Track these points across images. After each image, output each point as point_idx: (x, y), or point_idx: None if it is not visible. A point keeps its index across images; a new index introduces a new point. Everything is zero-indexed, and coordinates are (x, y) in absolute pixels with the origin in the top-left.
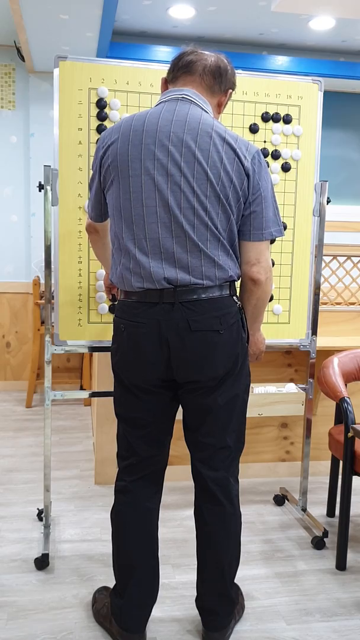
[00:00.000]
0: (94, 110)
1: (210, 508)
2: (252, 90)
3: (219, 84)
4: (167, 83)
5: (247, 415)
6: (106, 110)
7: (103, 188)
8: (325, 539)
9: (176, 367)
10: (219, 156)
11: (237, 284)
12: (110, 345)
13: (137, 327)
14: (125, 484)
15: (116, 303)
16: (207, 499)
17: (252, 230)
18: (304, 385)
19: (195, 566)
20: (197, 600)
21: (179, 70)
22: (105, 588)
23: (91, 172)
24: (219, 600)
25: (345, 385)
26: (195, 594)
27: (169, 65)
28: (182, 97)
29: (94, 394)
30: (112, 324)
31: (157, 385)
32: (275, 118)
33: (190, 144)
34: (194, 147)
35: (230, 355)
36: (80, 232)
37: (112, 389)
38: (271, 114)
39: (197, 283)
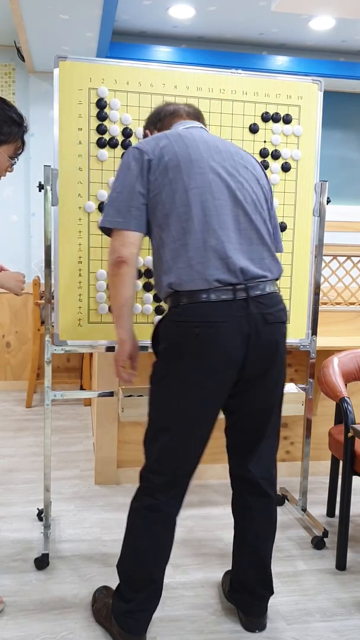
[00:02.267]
0: (94, 110)
1: (258, 500)
2: (252, 90)
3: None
4: (151, 133)
5: None
6: (106, 110)
7: (151, 191)
8: (325, 539)
9: (250, 363)
10: (256, 167)
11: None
12: (110, 345)
13: (216, 326)
14: (158, 503)
15: (173, 308)
16: (255, 492)
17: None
18: (304, 385)
19: (197, 566)
20: (236, 590)
21: (166, 118)
22: (105, 588)
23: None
24: (264, 584)
25: (345, 385)
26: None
27: (167, 68)
28: (200, 127)
29: (103, 394)
30: (112, 324)
31: (225, 388)
32: (275, 118)
33: (234, 155)
34: (237, 157)
35: (285, 346)
36: (80, 232)
37: (112, 389)
38: (271, 114)
39: (264, 276)
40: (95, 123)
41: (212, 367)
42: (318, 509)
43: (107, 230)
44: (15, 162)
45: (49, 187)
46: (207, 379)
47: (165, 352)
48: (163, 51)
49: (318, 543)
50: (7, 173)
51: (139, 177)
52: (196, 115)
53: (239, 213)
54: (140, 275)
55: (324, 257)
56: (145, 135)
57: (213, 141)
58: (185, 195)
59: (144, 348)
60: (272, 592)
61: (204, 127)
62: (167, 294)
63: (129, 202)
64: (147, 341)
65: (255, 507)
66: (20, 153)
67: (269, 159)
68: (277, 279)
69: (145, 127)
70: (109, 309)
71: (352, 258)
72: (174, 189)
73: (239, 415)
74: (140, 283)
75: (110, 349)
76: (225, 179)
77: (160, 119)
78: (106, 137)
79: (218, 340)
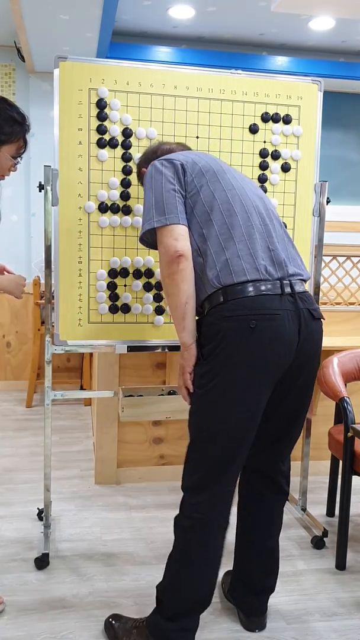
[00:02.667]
0: (94, 111)
1: (274, 496)
2: (252, 90)
3: None
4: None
5: None
6: (106, 110)
7: (188, 191)
8: (325, 539)
9: (298, 358)
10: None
11: None
12: (109, 344)
13: (273, 318)
14: (208, 520)
15: (218, 306)
16: (273, 488)
17: None
18: None
19: None
20: (236, 588)
21: (164, 154)
22: (116, 617)
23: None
24: (268, 583)
25: (345, 385)
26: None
27: (167, 68)
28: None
29: (103, 394)
30: (113, 324)
31: (273, 385)
32: (275, 118)
33: (242, 175)
34: (244, 177)
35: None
36: (80, 232)
37: (112, 389)
38: (271, 114)
39: (300, 274)
40: (95, 123)
41: (268, 362)
42: (318, 508)
43: (147, 241)
44: (18, 162)
45: (49, 187)
46: (262, 376)
47: (213, 353)
48: (163, 51)
49: (318, 543)
50: (11, 173)
51: (175, 178)
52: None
53: (271, 216)
54: (140, 275)
55: (323, 257)
56: (140, 172)
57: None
58: (225, 194)
59: (144, 348)
60: (273, 589)
61: None
62: (211, 292)
63: (170, 199)
64: (148, 341)
65: (269, 501)
66: (23, 152)
67: (268, 159)
68: (306, 281)
69: (141, 165)
70: (110, 309)
71: (352, 258)
72: (213, 189)
73: (272, 413)
74: (140, 283)
75: (103, 349)
76: (252, 189)
77: (157, 157)
78: (106, 137)
79: (277, 332)
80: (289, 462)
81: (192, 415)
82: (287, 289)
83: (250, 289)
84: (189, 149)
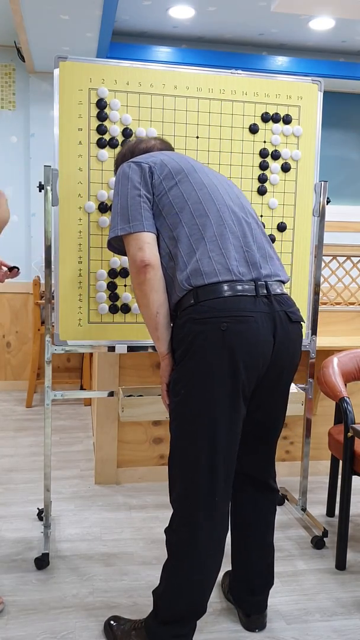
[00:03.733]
0: (94, 111)
1: (265, 497)
2: (252, 90)
3: None
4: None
5: None
6: (106, 110)
7: (156, 194)
8: (325, 539)
9: (274, 362)
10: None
11: None
12: (109, 344)
13: (245, 321)
14: (201, 531)
15: (189, 308)
16: (263, 491)
17: None
18: (303, 385)
19: None
20: (236, 588)
21: (141, 154)
22: (116, 618)
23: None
24: (269, 578)
25: (345, 385)
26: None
27: (167, 68)
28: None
29: (103, 394)
30: (113, 324)
31: (250, 390)
32: (275, 118)
33: (217, 174)
34: (225, 179)
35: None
36: (80, 232)
37: (112, 389)
38: (271, 114)
39: (277, 275)
40: (95, 123)
41: (241, 366)
42: (318, 508)
43: (116, 247)
44: None
45: (49, 187)
46: (235, 381)
47: (185, 357)
48: (163, 51)
49: (318, 543)
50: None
51: (141, 183)
52: (168, 150)
53: (246, 214)
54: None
55: (323, 257)
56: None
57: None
58: (196, 193)
59: (145, 348)
60: (272, 583)
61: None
62: (182, 294)
63: (136, 206)
64: (148, 341)
65: (262, 503)
66: None
67: (268, 159)
68: (285, 282)
69: (118, 164)
70: (109, 309)
71: (352, 258)
72: (183, 189)
73: (253, 418)
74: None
75: (111, 349)
76: (225, 188)
77: (133, 157)
78: (106, 137)
79: (250, 335)
80: (274, 462)
81: (171, 423)
82: (263, 291)
83: (222, 289)
84: (169, 145)
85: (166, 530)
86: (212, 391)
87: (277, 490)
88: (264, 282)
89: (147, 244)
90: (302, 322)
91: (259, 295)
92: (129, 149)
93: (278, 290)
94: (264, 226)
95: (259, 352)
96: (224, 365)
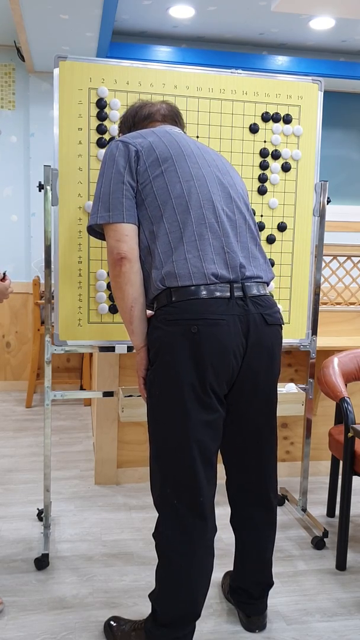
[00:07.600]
0: (94, 110)
1: (264, 512)
2: (252, 90)
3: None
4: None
5: None
6: (106, 110)
7: (140, 183)
8: (325, 539)
9: (246, 366)
10: (236, 174)
11: None
12: (109, 345)
13: (215, 324)
14: (189, 531)
15: (163, 308)
16: (259, 505)
17: None
18: (304, 385)
19: None
20: (235, 591)
21: (140, 123)
22: (116, 619)
23: (85, 171)
24: (265, 586)
25: (345, 385)
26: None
27: (167, 67)
28: (179, 131)
29: (103, 394)
30: (113, 324)
31: (222, 392)
32: (275, 118)
33: (219, 157)
34: (222, 160)
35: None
36: (80, 232)
37: (112, 389)
38: (271, 113)
39: (259, 276)
40: (95, 123)
41: (210, 369)
42: (318, 509)
43: (95, 233)
44: None
45: (49, 187)
46: (204, 384)
47: (157, 358)
48: (163, 51)
49: (318, 543)
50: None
51: (126, 168)
52: (173, 117)
53: (233, 209)
54: None
55: (324, 257)
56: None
57: (197, 142)
58: (180, 186)
59: None
60: (271, 584)
61: (182, 130)
62: (157, 293)
63: (118, 194)
64: None
65: (257, 515)
66: None
67: (269, 159)
68: (268, 283)
69: (119, 130)
70: (110, 309)
71: (352, 258)
72: (168, 180)
73: (236, 429)
74: None
75: (103, 349)
76: (217, 176)
77: (134, 124)
78: (106, 137)
79: (218, 339)
80: (272, 476)
81: (148, 425)
82: (238, 293)
83: (195, 292)
84: (174, 111)
85: (153, 534)
86: (182, 393)
87: (275, 506)
88: (240, 284)
89: (125, 236)
90: (280, 326)
91: (233, 298)
92: (133, 111)
93: (255, 292)
94: (260, 225)
95: (229, 355)
96: (194, 368)
